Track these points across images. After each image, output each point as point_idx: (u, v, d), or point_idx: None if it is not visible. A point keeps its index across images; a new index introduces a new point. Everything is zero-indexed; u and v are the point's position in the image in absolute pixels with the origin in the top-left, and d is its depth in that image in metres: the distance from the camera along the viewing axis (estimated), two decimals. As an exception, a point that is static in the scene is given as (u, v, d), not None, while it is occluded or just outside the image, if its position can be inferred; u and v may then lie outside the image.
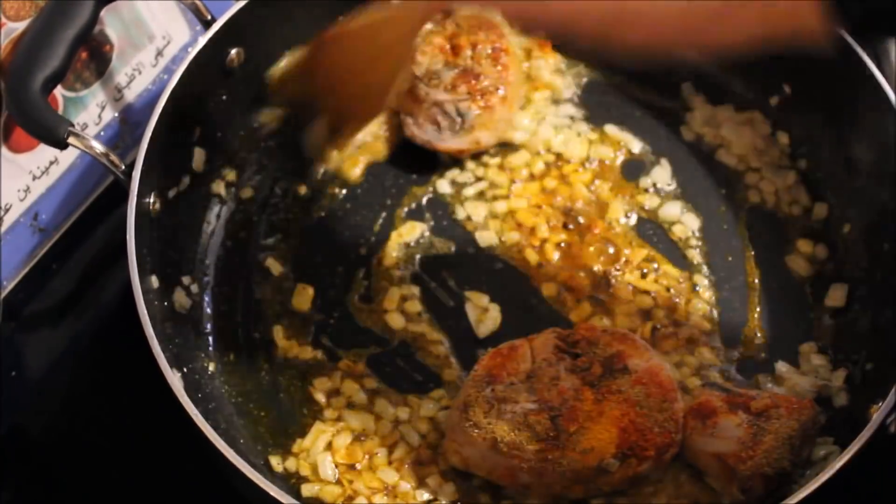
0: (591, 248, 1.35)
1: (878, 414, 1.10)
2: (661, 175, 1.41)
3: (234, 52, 1.36)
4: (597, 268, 1.34)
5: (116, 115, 1.39)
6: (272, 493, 1.07)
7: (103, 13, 1.27)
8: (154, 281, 1.25)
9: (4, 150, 1.27)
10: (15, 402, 1.31)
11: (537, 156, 1.42)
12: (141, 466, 1.28)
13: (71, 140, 1.19)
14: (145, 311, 1.15)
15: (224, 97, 1.38)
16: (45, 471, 1.29)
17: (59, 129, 1.18)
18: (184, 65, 1.29)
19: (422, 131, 1.39)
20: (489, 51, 1.39)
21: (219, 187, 1.40)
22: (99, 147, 1.20)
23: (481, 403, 1.14)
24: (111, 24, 1.34)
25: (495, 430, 1.13)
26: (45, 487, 1.29)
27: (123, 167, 1.22)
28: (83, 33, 1.22)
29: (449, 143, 1.39)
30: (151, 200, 1.26)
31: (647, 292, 1.32)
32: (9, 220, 1.31)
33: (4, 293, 1.34)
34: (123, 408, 1.31)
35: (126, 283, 1.17)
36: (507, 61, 1.39)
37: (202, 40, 1.32)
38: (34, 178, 1.32)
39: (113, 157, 1.21)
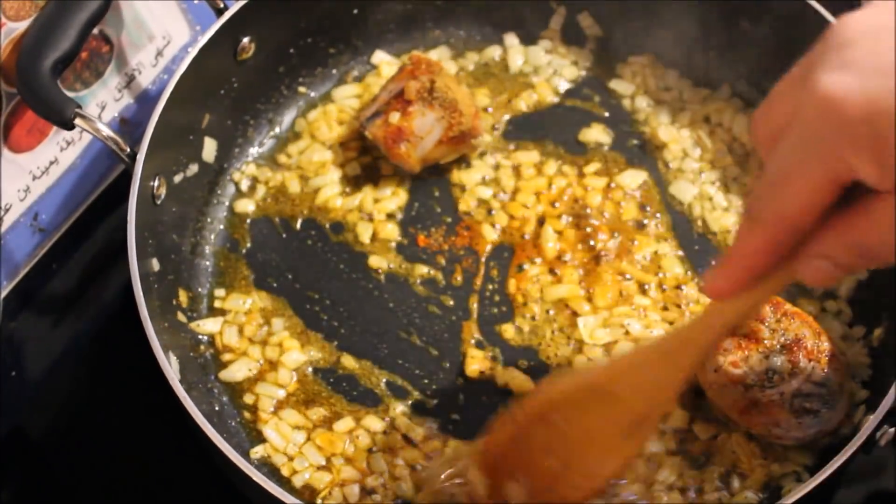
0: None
1: (866, 426, 1.08)
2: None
3: (245, 40, 1.37)
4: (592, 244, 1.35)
5: (116, 115, 1.39)
6: (268, 489, 1.06)
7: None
8: (154, 264, 1.25)
9: (4, 150, 1.27)
10: (15, 402, 1.31)
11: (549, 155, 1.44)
12: (141, 466, 1.27)
13: (77, 121, 1.19)
14: (141, 294, 1.15)
15: (235, 84, 1.39)
16: (45, 471, 1.29)
17: (67, 110, 1.19)
18: (196, 48, 1.30)
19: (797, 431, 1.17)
20: (777, 314, 1.20)
21: (228, 178, 1.42)
22: (105, 130, 1.20)
23: None
24: (111, 24, 1.34)
25: None
26: (45, 487, 1.28)
27: (128, 150, 1.22)
28: (96, 17, 1.22)
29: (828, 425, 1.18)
30: (156, 184, 1.26)
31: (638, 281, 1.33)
32: (9, 220, 1.31)
33: (4, 293, 1.34)
34: (123, 408, 1.31)
35: (126, 283, 1.17)
36: (791, 308, 1.22)
37: (215, 26, 1.32)
38: (34, 178, 1.32)
39: (118, 140, 1.21)
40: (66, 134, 1.34)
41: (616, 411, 1.00)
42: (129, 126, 1.40)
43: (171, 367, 1.13)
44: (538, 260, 1.35)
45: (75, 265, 1.41)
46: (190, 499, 1.26)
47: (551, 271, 1.34)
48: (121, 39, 1.36)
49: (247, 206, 1.40)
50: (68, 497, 1.28)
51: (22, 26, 1.24)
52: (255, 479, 1.06)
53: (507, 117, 1.47)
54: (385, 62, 1.51)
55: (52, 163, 1.34)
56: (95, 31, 1.27)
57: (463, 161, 1.42)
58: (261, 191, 1.41)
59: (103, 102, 1.37)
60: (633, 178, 1.40)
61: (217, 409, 1.25)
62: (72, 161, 1.37)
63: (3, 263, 1.32)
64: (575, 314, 1.31)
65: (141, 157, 1.22)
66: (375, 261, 1.36)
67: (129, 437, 1.29)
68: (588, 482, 1.06)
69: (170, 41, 1.42)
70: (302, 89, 1.48)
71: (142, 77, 1.40)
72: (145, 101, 1.41)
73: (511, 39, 1.52)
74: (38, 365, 1.35)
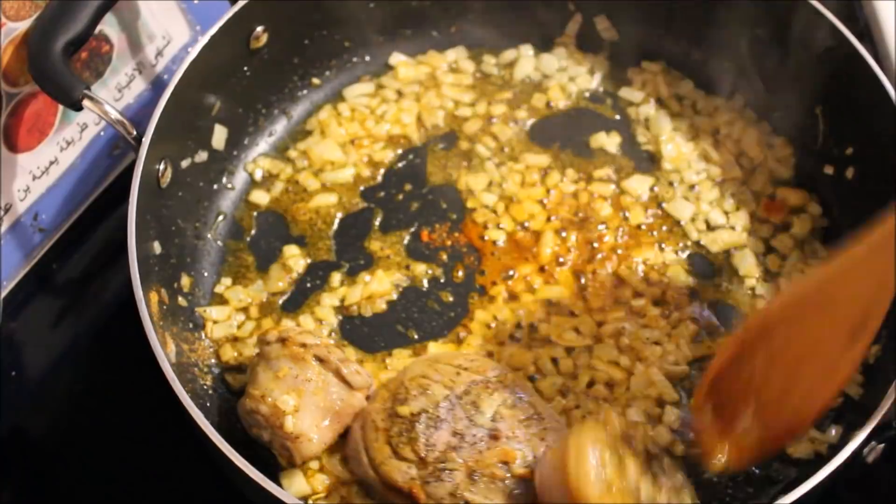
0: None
1: (852, 442, 1.06)
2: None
3: (259, 28, 1.37)
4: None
5: (116, 114, 1.39)
6: (267, 487, 1.05)
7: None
8: (156, 247, 1.25)
9: (4, 150, 1.27)
10: (15, 402, 1.31)
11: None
12: (141, 466, 1.27)
13: (86, 103, 1.19)
14: (138, 276, 1.15)
15: (248, 73, 1.39)
16: (45, 471, 1.28)
17: (75, 91, 1.19)
18: (208, 35, 1.31)
19: None
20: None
21: (238, 167, 1.42)
22: (113, 112, 1.21)
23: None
24: (111, 25, 1.34)
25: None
26: (45, 487, 1.28)
27: (135, 133, 1.22)
28: (109, 1, 1.23)
29: None
30: (161, 167, 1.26)
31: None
32: (9, 220, 1.31)
33: (4, 293, 1.34)
34: (123, 407, 1.30)
35: (126, 282, 1.16)
36: None
37: (228, 13, 1.33)
38: (34, 178, 1.32)
39: (126, 123, 1.21)
40: (66, 134, 1.34)
41: (834, 317, 0.96)
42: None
43: (162, 352, 1.11)
44: (537, 261, 1.34)
45: (75, 265, 1.41)
46: (190, 497, 1.25)
47: (548, 272, 1.33)
48: (121, 39, 1.36)
49: (261, 197, 1.41)
50: (68, 497, 1.27)
51: (22, 26, 1.24)
52: (253, 477, 1.05)
53: (520, 121, 1.47)
54: (402, 63, 1.52)
55: (52, 163, 1.34)
56: (96, 30, 1.27)
57: (471, 166, 1.43)
58: (278, 186, 1.42)
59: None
60: (640, 184, 1.40)
61: (216, 401, 1.24)
62: (72, 161, 1.36)
63: (3, 263, 1.32)
64: (572, 314, 1.31)
65: (147, 140, 1.22)
66: (379, 254, 1.36)
67: (129, 436, 1.29)
68: (812, 402, 1.02)
69: (170, 41, 1.42)
70: (316, 81, 1.49)
71: (142, 77, 1.40)
72: (145, 100, 1.41)
73: (526, 49, 1.53)
74: (38, 365, 1.35)
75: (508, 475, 1.09)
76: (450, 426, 1.12)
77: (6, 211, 1.30)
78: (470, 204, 1.40)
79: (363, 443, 1.15)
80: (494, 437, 1.11)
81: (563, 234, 1.36)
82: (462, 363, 1.18)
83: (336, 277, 1.34)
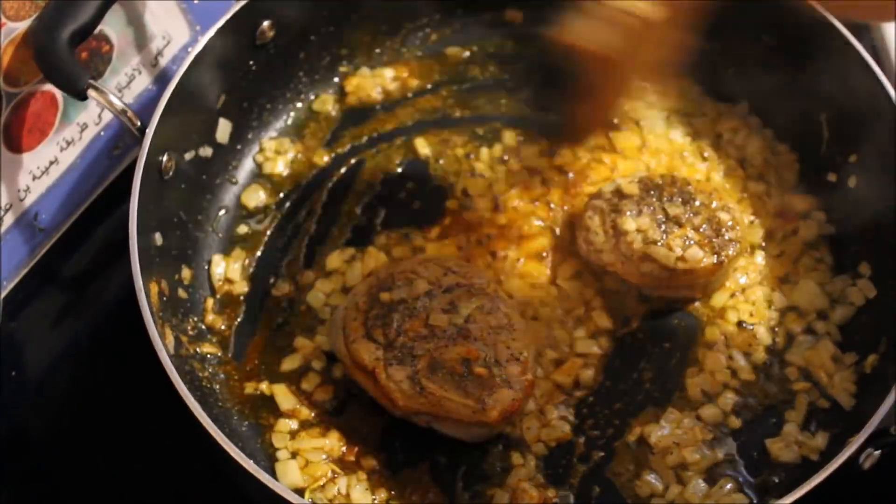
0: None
1: (847, 448, 1.06)
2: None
3: (266, 24, 1.38)
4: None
5: (117, 114, 1.39)
6: (269, 485, 1.05)
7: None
8: (157, 238, 1.25)
9: (4, 150, 1.27)
10: (15, 402, 1.31)
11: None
12: (141, 466, 1.27)
13: (90, 92, 1.20)
14: (138, 266, 1.15)
15: (254, 67, 1.40)
16: (45, 471, 1.28)
17: (80, 81, 1.20)
18: (214, 27, 1.31)
19: None
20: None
21: (242, 160, 1.42)
22: (117, 102, 1.21)
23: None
24: (111, 24, 1.34)
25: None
26: (45, 487, 1.28)
27: (139, 124, 1.23)
28: None
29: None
30: (165, 159, 1.26)
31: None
32: (9, 220, 1.31)
33: (4, 293, 1.33)
34: (123, 407, 1.30)
35: (126, 282, 1.16)
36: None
37: (236, 6, 1.33)
38: (34, 178, 1.32)
39: (130, 114, 1.22)
40: (67, 134, 1.34)
41: None
42: (130, 125, 1.41)
43: (161, 343, 1.12)
44: (518, 249, 1.35)
45: (75, 265, 1.40)
46: (190, 494, 1.25)
47: (530, 261, 1.34)
48: (121, 39, 1.36)
49: (264, 192, 1.41)
50: (68, 497, 1.27)
51: (22, 26, 1.24)
52: (249, 469, 1.06)
53: (523, 123, 1.47)
54: (408, 63, 1.52)
55: (52, 163, 1.34)
56: (96, 31, 1.27)
57: (473, 167, 1.43)
58: (278, 177, 1.42)
59: (104, 102, 1.37)
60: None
61: (214, 394, 1.25)
62: (72, 161, 1.36)
63: (3, 263, 1.32)
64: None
65: (150, 130, 1.22)
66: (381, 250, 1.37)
67: (129, 436, 1.28)
68: None
69: (170, 41, 1.42)
70: (321, 77, 1.49)
71: (142, 77, 1.40)
72: (145, 101, 1.41)
73: None
74: (38, 365, 1.35)
75: (467, 372, 1.15)
76: (424, 318, 1.19)
77: (6, 211, 1.30)
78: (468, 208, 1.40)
79: (343, 320, 1.21)
80: (464, 335, 1.18)
81: (558, 233, 1.37)
82: (452, 266, 1.24)
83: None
